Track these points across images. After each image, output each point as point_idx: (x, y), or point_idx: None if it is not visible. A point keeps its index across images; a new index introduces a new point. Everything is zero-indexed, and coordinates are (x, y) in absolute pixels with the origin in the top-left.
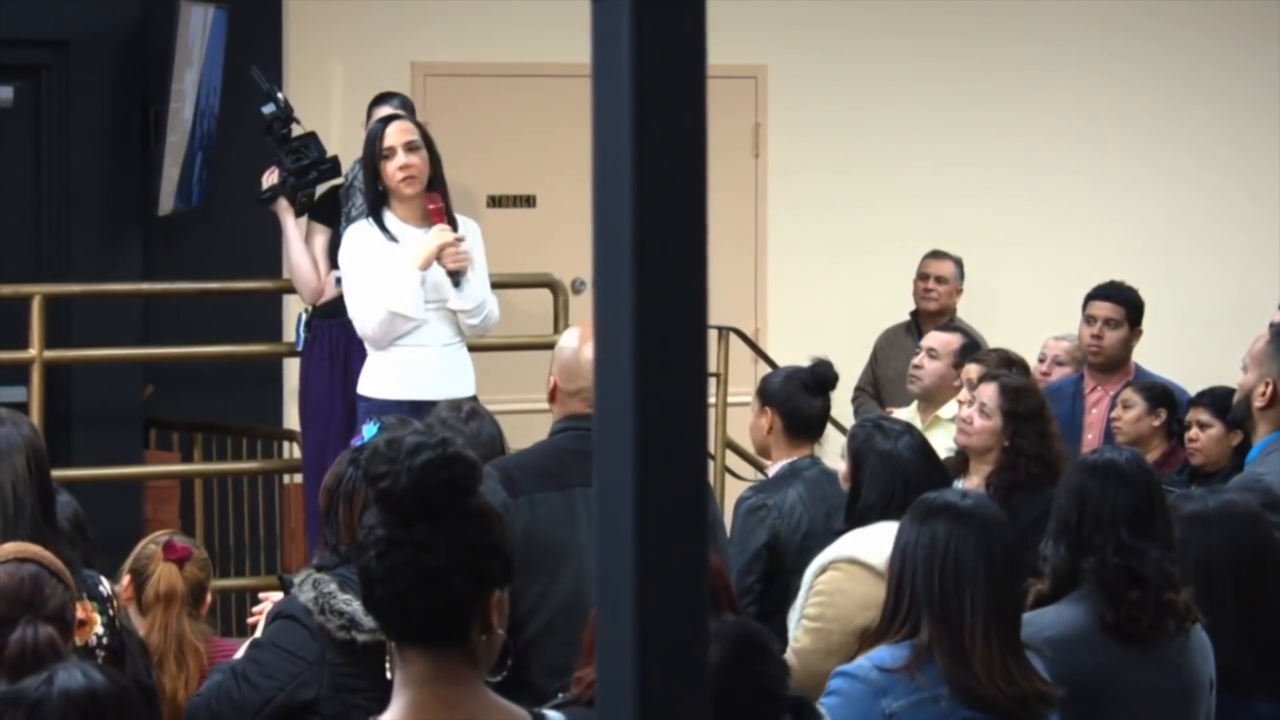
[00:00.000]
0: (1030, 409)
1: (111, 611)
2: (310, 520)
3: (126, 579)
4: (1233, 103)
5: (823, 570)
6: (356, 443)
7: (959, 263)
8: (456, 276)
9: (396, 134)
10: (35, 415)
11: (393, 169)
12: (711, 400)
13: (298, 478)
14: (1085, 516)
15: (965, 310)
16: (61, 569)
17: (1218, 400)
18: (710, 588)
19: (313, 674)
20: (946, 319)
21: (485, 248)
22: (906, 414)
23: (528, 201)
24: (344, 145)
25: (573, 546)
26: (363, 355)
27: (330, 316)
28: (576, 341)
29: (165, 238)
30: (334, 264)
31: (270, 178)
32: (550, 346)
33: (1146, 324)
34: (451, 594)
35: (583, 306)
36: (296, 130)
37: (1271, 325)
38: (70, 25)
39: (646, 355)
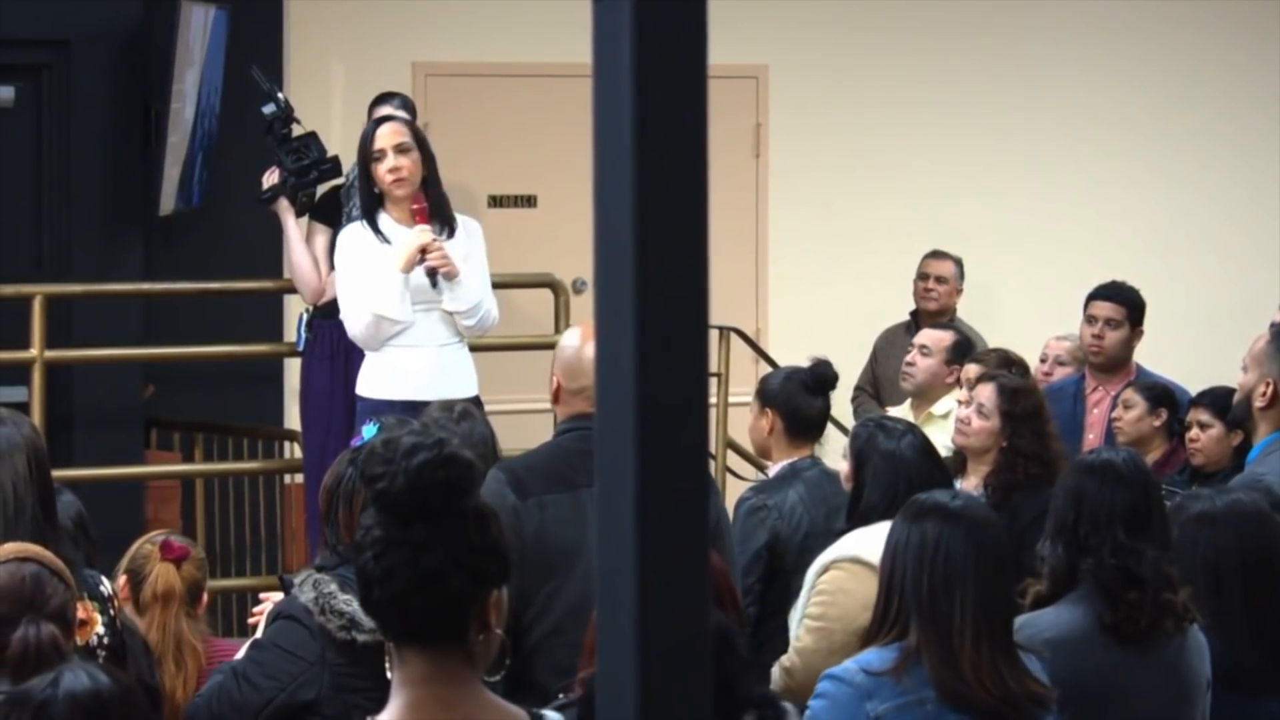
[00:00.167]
0: (1028, 409)
1: (112, 611)
2: (311, 520)
3: (122, 579)
4: (1233, 103)
5: (825, 570)
6: (356, 443)
7: (959, 263)
8: (434, 277)
9: (386, 136)
10: (36, 415)
11: (383, 171)
12: (712, 400)
13: (298, 478)
14: (1082, 517)
15: (965, 310)
16: (62, 568)
17: (1218, 400)
18: (715, 589)
19: (313, 674)
20: (947, 319)
21: (486, 248)
22: (900, 412)
23: (528, 201)
24: (344, 145)
25: (583, 547)
26: (363, 355)
27: (331, 316)
28: (578, 340)
29: (166, 238)
30: (334, 264)
31: (271, 178)
32: (551, 347)
33: (1147, 324)
34: (449, 594)
35: (584, 307)
36: (297, 130)
37: (1272, 325)
38: (71, 25)
39: (647, 355)
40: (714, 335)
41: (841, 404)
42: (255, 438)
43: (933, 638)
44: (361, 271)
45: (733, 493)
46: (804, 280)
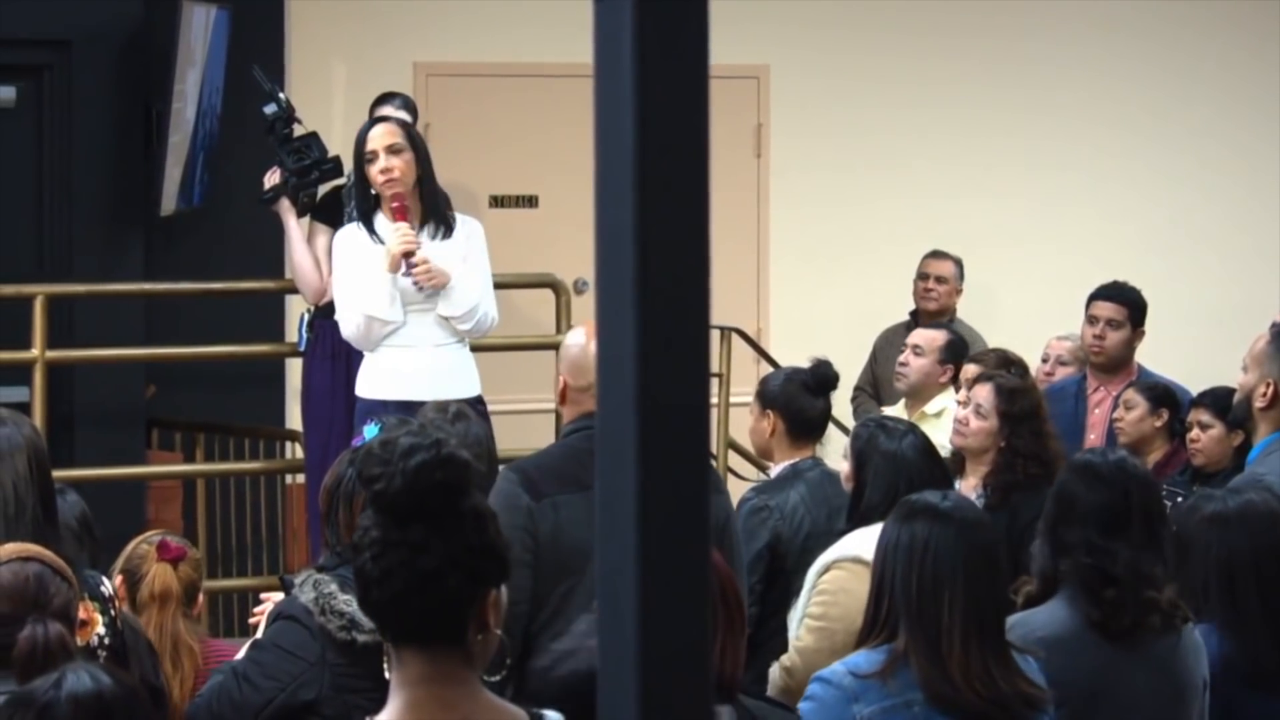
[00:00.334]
0: (1026, 409)
1: (113, 612)
2: (312, 521)
3: (118, 579)
4: (1233, 103)
5: (826, 569)
6: (357, 443)
7: (959, 263)
8: (408, 263)
9: (378, 137)
10: (38, 415)
11: (374, 172)
12: (713, 400)
13: (300, 478)
14: (1060, 517)
15: (966, 311)
16: (65, 568)
17: (1219, 401)
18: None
19: (313, 674)
20: (947, 319)
21: (488, 248)
22: (895, 412)
23: (530, 202)
24: (346, 145)
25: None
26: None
27: (332, 316)
28: (584, 339)
29: (167, 238)
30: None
31: (272, 178)
32: (553, 347)
33: (1147, 324)
34: (447, 594)
35: (585, 307)
36: (298, 130)
37: (1272, 325)
38: (72, 25)
39: (649, 355)
40: (715, 335)
41: (842, 404)
42: (256, 438)
43: (921, 639)
44: (354, 272)
45: (734, 493)
46: (805, 280)
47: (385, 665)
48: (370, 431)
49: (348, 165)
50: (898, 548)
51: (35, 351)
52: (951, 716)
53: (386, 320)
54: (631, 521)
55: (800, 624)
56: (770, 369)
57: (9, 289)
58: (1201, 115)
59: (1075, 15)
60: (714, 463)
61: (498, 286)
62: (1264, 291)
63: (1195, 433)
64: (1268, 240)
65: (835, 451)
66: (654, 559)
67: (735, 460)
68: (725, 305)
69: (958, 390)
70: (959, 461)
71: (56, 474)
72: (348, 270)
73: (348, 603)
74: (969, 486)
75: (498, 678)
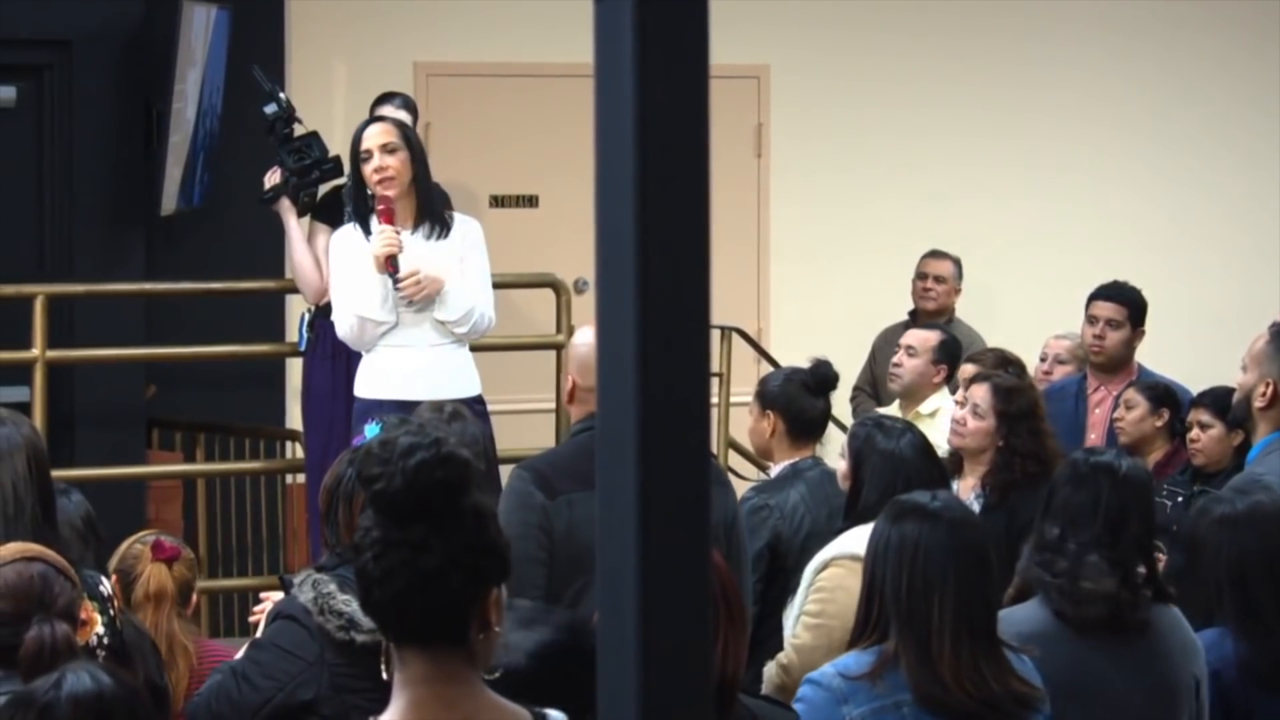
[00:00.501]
0: (1023, 408)
1: (112, 611)
2: (313, 520)
3: (112, 579)
4: (1233, 103)
5: (824, 567)
6: (357, 443)
7: (958, 262)
8: (394, 278)
9: (373, 136)
10: (38, 415)
11: (369, 172)
12: (714, 400)
13: (300, 478)
14: (1041, 514)
15: (965, 310)
16: (68, 568)
17: (1219, 401)
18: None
19: (312, 674)
20: (945, 319)
21: (488, 248)
22: (890, 412)
23: (530, 201)
24: (346, 145)
25: None
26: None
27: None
28: (592, 338)
29: (168, 238)
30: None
31: (272, 177)
32: (553, 347)
33: (1147, 324)
34: (449, 594)
35: (585, 307)
36: (299, 130)
37: (1271, 325)
38: (73, 25)
39: (649, 355)
40: (715, 335)
41: (841, 404)
42: (257, 438)
43: (911, 640)
44: (348, 273)
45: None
46: (805, 280)
47: (385, 666)
48: (371, 431)
49: (348, 165)
50: (888, 548)
51: (36, 351)
52: (941, 717)
53: (378, 321)
54: (632, 521)
55: (797, 621)
56: (770, 369)
57: (9, 289)
58: (1201, 115)
59: (1075, 15)
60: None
61: (498, 286)
62: (1264, 291)
63: (1195, 432)
64: (1268, 240)
65: (835, 451)
66: (654, 559)
67: (735, 460)
68: (725, 305)
69: (952, 390)
70: (956, 461)
71: (56, 474)
72: (342, 271)
73: (346, 602)
74: (967, 486)
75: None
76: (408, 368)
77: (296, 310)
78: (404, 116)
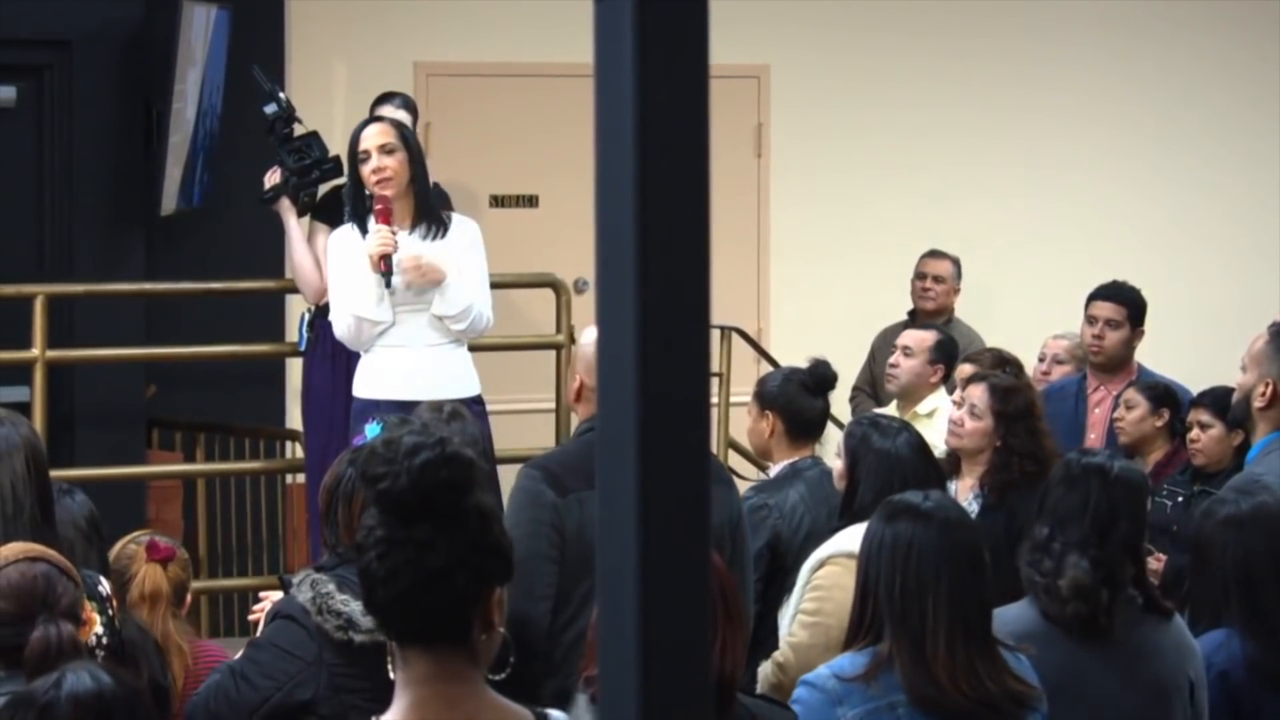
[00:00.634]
0: (1020, 407)
1: (111, 611)
2: (313, 520)
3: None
4: (1233, 103)
5: (820, 565)
6: (358, 443)
7: (956, 262)
8: (387, 278)
9: (371, 137)
10: (38, 415)
11: (367, 172)
12: (714, 400)
13: (300, 478)
14: (1036, 515)
15: (965, 310)
16: (70, 568)
17: (1219, 401)
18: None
19: (310, 674)
20: (944, 318)
21: (488, 248)
22: (888, 412)
23: (530, 201)
24: (346, 145)
25: None
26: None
27: None
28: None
29: (168, 238)
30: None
31: (272, 177)
32: (553, 347)
33: (1147, 324)
34: (453, 593)
35: (585, 307)
36: (299, 130)
37: (1271, 325)
38: (73, 25)
39: (649, 355)
40: (715, 335)
41: (841, 404)
42: (257, 438)
43: (905, 641)
44: (345, 272)
45: None
46: (805, 280)
47: (390, 665)
48: (372, 431)
49: (346, 165)
50: (881, 549)
51: (36, 351)
52: (936, 718)
53: (375, 320)
54: (632, 521)
55: (793, 620)
56: (770, 369)
57: (9, 289)
58: (1201, 115)
59: (1075, 16)
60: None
61: (497, 286)
62: (1264, 291)
63: (1195, 433)
64: (1268, 240)
65: (832, 450)
66: (654, 558)
67: (735, 460)
68: (725, 305)
69: (949, 390)
70: (954, 462)
71: (56, 474)
72: (340, 270)
73: (345, 602)
74: (965, 487)
75: (501, 676)
76: (406, 368)
77: (296, 310)
78: (404, 116)
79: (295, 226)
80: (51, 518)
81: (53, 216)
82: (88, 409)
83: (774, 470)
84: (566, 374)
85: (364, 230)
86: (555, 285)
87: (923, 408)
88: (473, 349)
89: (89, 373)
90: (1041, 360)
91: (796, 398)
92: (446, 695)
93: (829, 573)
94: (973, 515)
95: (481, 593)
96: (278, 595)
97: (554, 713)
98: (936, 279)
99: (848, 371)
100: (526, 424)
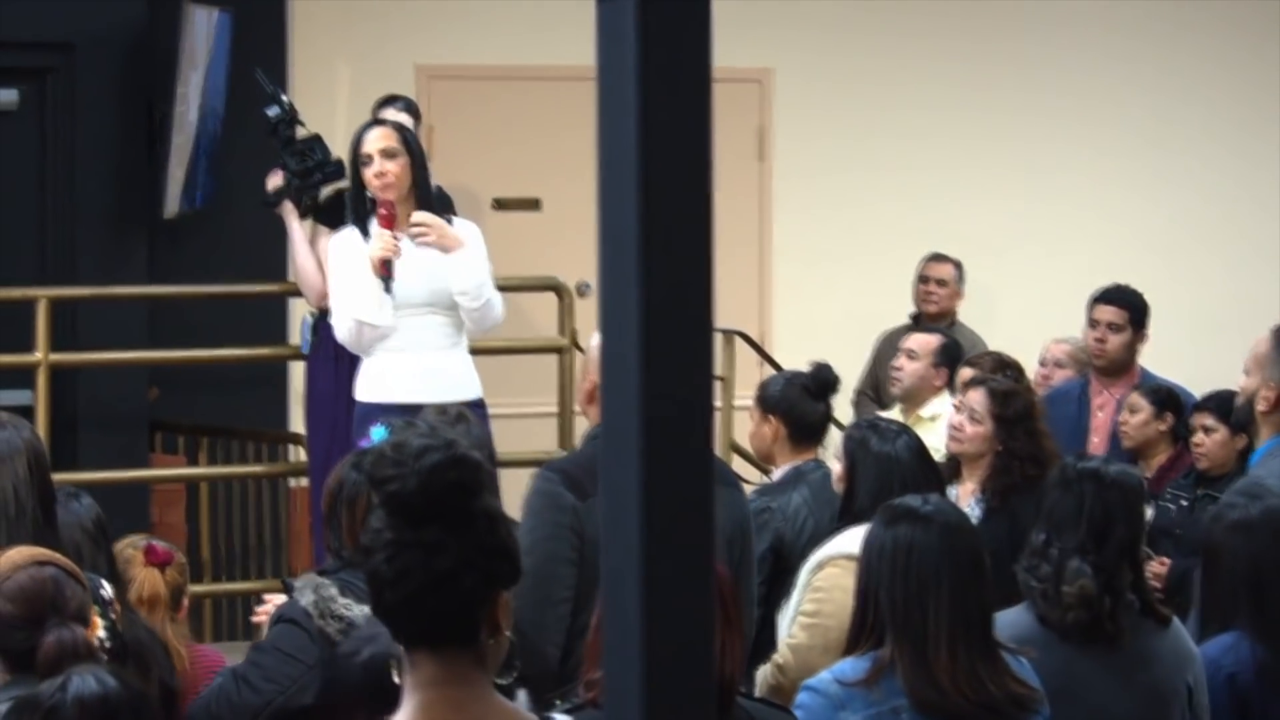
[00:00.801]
0: (1019, 411)
1: (113, 615)
2: (316, 523)
3: None
4: (1234, 105)
5: (820, 567)
6: (364, 445)
7: (959, 266)
8: (388, 282)
9: (373, 141)
10: (41, 418)
11: (369, 176)
12: (716, 403)
13: (303, 481)
14: (1034, 519)
15: (967, 314)
16: (77, 571)
17: (1222, 404)
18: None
19: (312, 678)
20: (947, 322)
21: (490, 251)
22: (889, 416)
23: (533, 204)
24: (348, 148)
25: None
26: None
27: None
28: None
29: (170, 240)
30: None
31: (275, 180)
32: (555, 350)
33: (1148, 327)
34: (461, 596)
35: (588, 310)
36: (301, 133)
37: (1273, 328)
38: (75, 28)
39: (652, 358)
40: (718, 338)
41: (844, 407)
42: (260, 441)
43: (907, 646)
44: (346, 276)
45: None
46: (808, 283)
47: (393, 669)
48: (378, 434)
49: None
50: (881, 553)
51: (38, 354)
52: None
53: (375, 324)
54: (635, 523)
55: (793, 621)
56: (773, 372)
57: (12, 292)
58: (1201, 117)
59: (1076, 18)
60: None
61: (500, 289)
62: (1265, 294)
63: (1199, 436)
64: (1268, 242)
65: (832, 453)
66: (657, 560)
67: (738, 463)
68: (728, 308)
69: (953, 394)
70: (954, 466)
71: (59, 477)
72: (341, 274)
73: (347, 606)
74: (967, 491)
75: (507, 681)
76: (409, 371)
77: (299, 313)
78: (406, 119)
79: (298, 229)
80: (53, 521)
81: (55, 219)
82: (90, 412)
83: (777, 473)
84: (571, 378)
85: (365, 233)
86: (558, 288)
87: (926, 411)
88: (475, 353)
89: (92, 376)
90: (1042, 364)
91: (799, 401)
92: (453, 698)
93: (828, 574)
94: (975, 520)
95: (489, 595)
96: (281, 598)
97: (559, 717)
98: (939, 282)
99: (850, 375)
100: (529, 427)
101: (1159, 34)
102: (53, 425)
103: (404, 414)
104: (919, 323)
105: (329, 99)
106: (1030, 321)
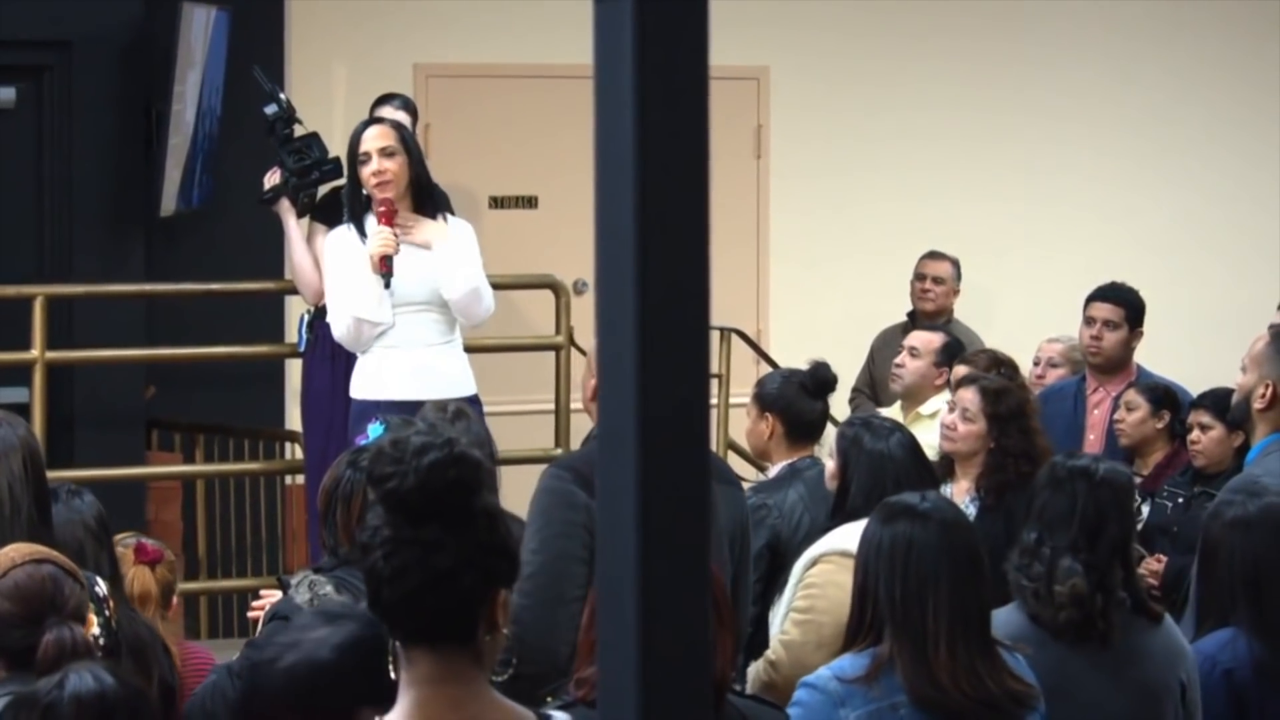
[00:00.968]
0: (1011, 408)
1: (107, 612)
2: (312, 521)
3: None
4: (1233, 104)
5: (814, 563)
6: (360, 443)
7: (956, 263)
8: (388, 279)
9: (371, 139)
10: (37, 416)
11: (367, 174)
12: (713, 401)
13: (299, 479)
14: (1024, 519)
15: (964, 312)
16: (75, 569)
17: (1219, 402)
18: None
19: None
20: (944, 320)
21: (487, 249)
22: (889, 413)
23: (530, 203)
24: (346, 146)
25: None
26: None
27: None
28: None
29: (167, 239)
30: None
31: (272, 178)
32: (552, 348)
33: (1146, 325)
34: (460, 594)
35: (585, 308)
36: (299, 131)
37: (1270, 326)
38: (72, 26)
39: (649, 356)
40: (715, 336)
41: (840, 405)
42: (256, 439)
43: (906, 643)
44: (344, 274)
45: None
46: (805, 282)
47: (391, 665)
48: (374, 431)
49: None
50: (880, 551)
51: (35, 352)
52: (937, 718)
53: (375, 322)
54: (632, 521)
55: (785, 618)
56: (770, 370)
57: (9, 290)
58: (1201, 116)
59: (1075, 17)
60: None
61: (497, 287)
62: (1263, 292)
63: (1196, 434)
64: (1267, 241)
65: (825, 451)
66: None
67: (734, 461)
68: (725, 306)
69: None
70: (948, 465)
71: (56, 475)
72: (338, 272)
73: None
74: (961, 490)
75: (503, 678)
76: (404, 368)
77: (296, 311)
78: (403, 118)
79: (295, 227)
80: (49, 519)
81: (52, 217)
82: (87, 410)
83: (773, 471)
84: (568, 375)
85: (361, 231)
86: (555, 286)
87: (926, 409)
88: (473, 350)
89: (88, 374)
90: (1036, 364)
91: (796, 400)
92: (450, 696)
93: (821, 570)
94: (970, 518)
95: (488, 594)
96: (276, 595)
97: (557, 714)
98: (936, 280)
99: (847, 373)
100: (526, 425)
101: (1159, 34)
102: (49, 423)
103: (400, 411)
104: (915, 321)
105: (326, 97)
106: (1027, 320)
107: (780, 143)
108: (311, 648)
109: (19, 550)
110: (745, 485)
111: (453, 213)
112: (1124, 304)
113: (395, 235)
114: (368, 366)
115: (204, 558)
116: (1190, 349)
